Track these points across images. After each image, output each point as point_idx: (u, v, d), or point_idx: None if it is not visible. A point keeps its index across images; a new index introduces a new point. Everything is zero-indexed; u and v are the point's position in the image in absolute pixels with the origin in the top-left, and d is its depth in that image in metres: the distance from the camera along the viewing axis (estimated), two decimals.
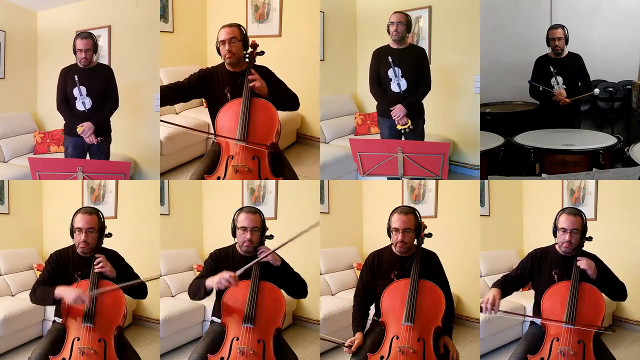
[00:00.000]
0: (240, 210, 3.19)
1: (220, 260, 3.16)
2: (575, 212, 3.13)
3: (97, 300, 3.03)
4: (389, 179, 4.12)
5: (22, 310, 4.20)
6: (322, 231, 4.41)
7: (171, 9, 5.28)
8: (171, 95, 3.56)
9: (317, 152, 4.88)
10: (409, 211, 3.16)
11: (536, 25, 5.95)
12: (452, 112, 5.07)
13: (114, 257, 3.18)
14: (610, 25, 6.09)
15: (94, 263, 3.08)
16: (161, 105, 3.60)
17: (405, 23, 4.19)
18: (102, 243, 3.19)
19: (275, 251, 3.07)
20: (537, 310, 3.13)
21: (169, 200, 4.87)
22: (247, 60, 3.51)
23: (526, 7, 6.20)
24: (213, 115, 3.55)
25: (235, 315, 3.02)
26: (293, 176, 3.63)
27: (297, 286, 3.22)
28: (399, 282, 3.09)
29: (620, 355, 3.89)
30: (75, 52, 4.05)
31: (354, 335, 3.10)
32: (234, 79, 3.50)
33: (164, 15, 5.19)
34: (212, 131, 3.61)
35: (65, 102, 4.10)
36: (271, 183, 4.81)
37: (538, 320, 3.12)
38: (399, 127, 4.16)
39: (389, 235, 3.18)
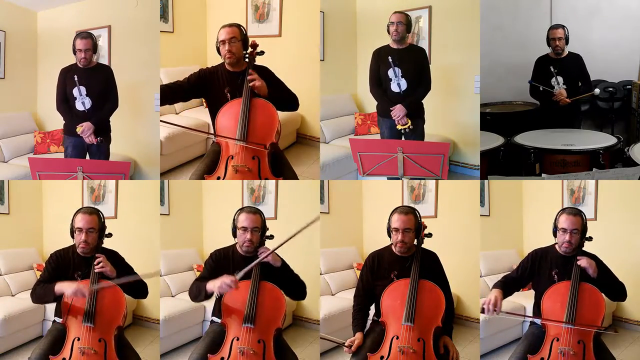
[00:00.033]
0: (241, 210, 3.18)
1: (220, 260, 3.16)
2: (575, 212, 3.12)
3: (97, 300, 3.03)
4: (389, 179, 4.12)
5: (22, 310, 4.20)
6: (322, 231, 4.41)
7: (171, 9, 5.28)
8: (170, 94, 3.56)
9: (317, 152, 4.88)
10: (409, 211, 3.16)
11: (536, 25, 5.95)
12: (452, 112, 5.07)
13: (114, 257, 3.18)
14: (610, 25, 6.09)
15: (94, 263, 3.08)
16: (160, 105, 3.60)
17: (405, 23, 4.18)
18: (103, 243, 3.19)
19: (275, 250, 3.06)
20: (537, 311, 3.12)
21: (169, 200, 4.86)
22: (247, 60, 3.51)
23: (526, 7, 6.20)
24: (213, 115, 3.54)
25: (236, 315, 3.02)
26: (293, 176, 3.63)
27: (296, 288, 3.21)
28: (399, 282, 3.09)
29: (620, 355, 3.88)
30: (75, 52, 4.05)
31: (354, 335, 3.10)
32: (234, 79, 3.50)
33: (164, 15, 5.19)
34: (212, 131, 3.60)
35: (65, 102, 4.10)
36: (271, 183, 4.81)
37: (538, 321, 3.12)
38: (399, 127, 4.16)
39: (389, 235, 3.18)
